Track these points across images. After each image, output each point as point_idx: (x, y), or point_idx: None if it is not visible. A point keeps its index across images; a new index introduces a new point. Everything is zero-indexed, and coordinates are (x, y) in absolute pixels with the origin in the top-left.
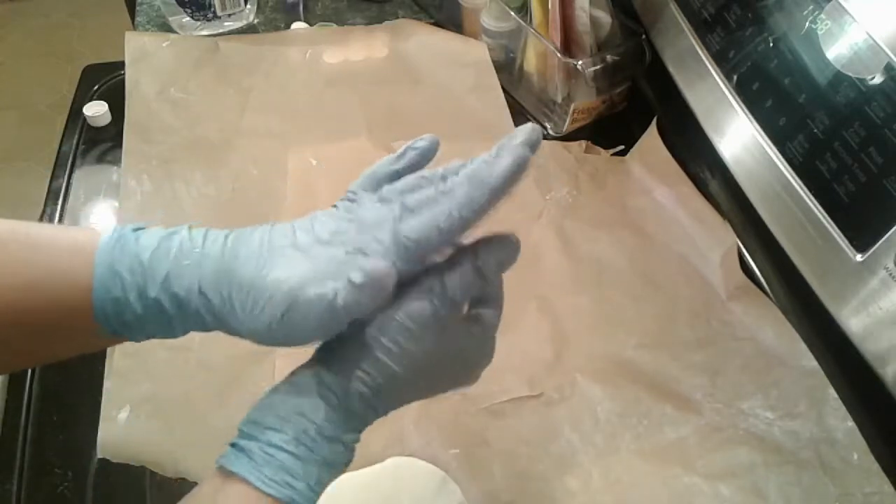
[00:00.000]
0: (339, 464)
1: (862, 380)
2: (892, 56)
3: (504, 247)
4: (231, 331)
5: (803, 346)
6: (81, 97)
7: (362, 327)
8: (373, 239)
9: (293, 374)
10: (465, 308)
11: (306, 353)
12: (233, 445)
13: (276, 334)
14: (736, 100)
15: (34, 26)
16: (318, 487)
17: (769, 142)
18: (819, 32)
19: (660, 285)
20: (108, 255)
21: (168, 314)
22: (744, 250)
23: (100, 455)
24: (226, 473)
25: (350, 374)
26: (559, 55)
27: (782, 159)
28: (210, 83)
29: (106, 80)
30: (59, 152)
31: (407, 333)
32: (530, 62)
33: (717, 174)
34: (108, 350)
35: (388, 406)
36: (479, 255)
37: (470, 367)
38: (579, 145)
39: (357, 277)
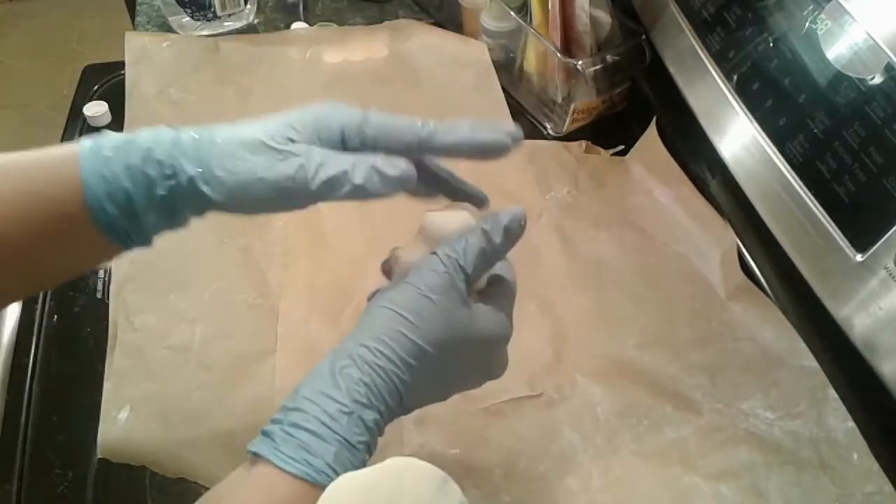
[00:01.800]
0: (359, 443)
1: (862, 380)
2: (892, 56)
3: (509, 213)
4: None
5: (803, 346)
6: (81, 97)
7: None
8: None
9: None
10: (482, 283)
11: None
12: (263, 432)
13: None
14: (736, 100)
15: (34, 26)
16: (337, 465)
17: (769, 142)
18: (819, 32)
19: (660, 285)
20: (91, 160)
21: (156, 184)
22: (744, 250)
23: (100, 455)
24: (253, 458)
25: (371, 349)
26: (559, 55)
27: (782, 159)
28: (210, 83)
29: (106, 80)
30: None
31: (427, 303)
32: (530, 62)
33: (717, 174)
34: (108, 350)
35: (414, 388)
36: (486, 220)
37: (493, 345)
38: (579, 145)
39: None
